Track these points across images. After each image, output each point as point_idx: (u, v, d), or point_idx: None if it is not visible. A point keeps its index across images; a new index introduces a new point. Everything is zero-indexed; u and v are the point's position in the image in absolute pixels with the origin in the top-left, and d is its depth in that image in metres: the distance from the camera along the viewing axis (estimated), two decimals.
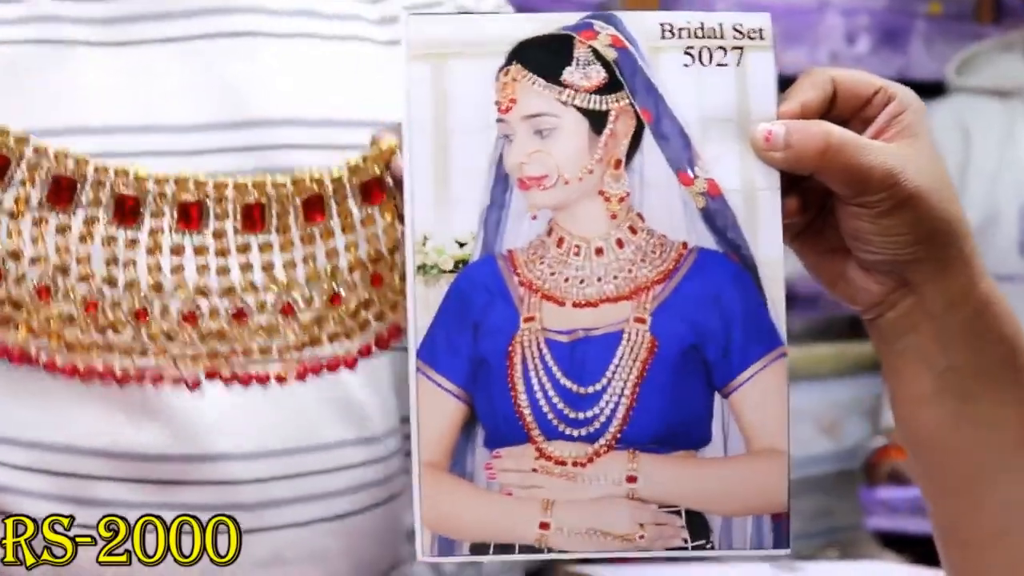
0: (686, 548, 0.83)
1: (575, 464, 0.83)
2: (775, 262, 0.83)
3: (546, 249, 0.83)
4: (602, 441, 0.82)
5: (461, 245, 0.82)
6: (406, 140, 0.83)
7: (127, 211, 0.92)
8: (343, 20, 1.23)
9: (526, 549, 0.83)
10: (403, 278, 0.88)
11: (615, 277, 0.83)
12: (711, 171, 0.83)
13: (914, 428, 0.83)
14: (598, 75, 0.83)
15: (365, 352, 0.96)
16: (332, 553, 1.21)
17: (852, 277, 0.83)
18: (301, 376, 0.96)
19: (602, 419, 0.82)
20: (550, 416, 0.83)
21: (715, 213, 0.83)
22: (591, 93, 0.83)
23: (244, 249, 0.93)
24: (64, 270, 0.93)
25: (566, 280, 0.83)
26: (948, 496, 0.84)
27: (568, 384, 0.83)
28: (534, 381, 0.82)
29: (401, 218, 0.89)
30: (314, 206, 0.93)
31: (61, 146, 0.92)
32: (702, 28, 0.84)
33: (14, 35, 1.14)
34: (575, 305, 0.83)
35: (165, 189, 0.92)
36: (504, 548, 0.83)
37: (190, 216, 0.93)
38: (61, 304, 0.93)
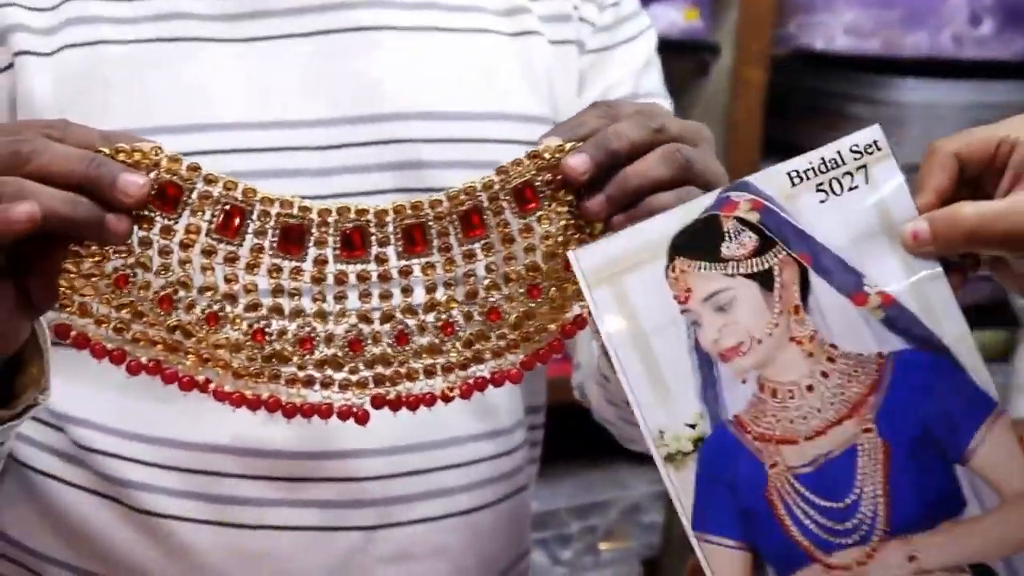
0: None
1: (859, 564, 0.90)
2: (963, 336, 0.89)
3: (764, 403, 0.91)
4: (874, 539, 0.90)
5: (692, 427, 0.90)
6: (615, 358, 0.90)
7: (292, 240, 0.91)
8: (466, 12, 1.21)
9: None
10: (561, 289, 0.92)
11: (832, 404, 0.90)
12: (879, 283, 0.90)
13: None
14: (751, 240, 0.90)
15: (529, 365, 0.96)
16: (458, 549, 1.19)
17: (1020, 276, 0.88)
18: (466, 394, 0.95)
19: (867, 521, 0.90)
20: (822, 535, 0.91)
21: (896, 319, 0.89)
22: (750, 258, 0.90)
23: (406, 273, 0.92)
24: (232, 298, 0.92)
25: (791, 422, 0.90)
26: None
27: (826, 503, 0.91)
28: (797, 512, 0.91)
29: (570, 212, 0.90)
30: (471, 219, 0.92)
31: (229, 176, 0.90)
32: (824, 163, 0.91)
33: (140, 33, 1.13)
34: (807, 439, 0.90)
35: (328, 218, 0.91)
36: None
37: (353, 243, 0.92)
38: (229, 332, 0.92)
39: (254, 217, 0.91)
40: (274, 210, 0.91)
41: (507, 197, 0.92)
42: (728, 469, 0.91)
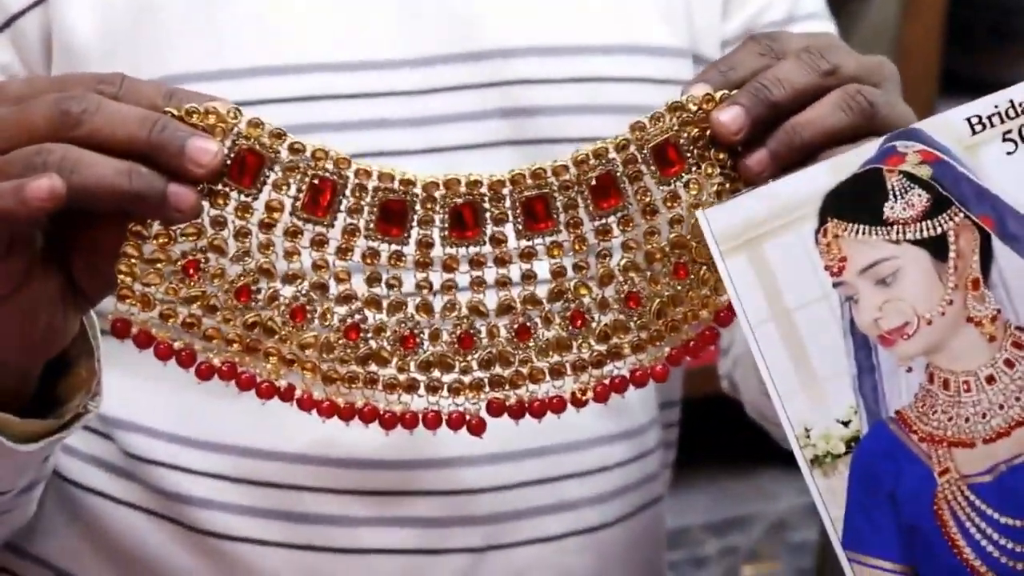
0: None
1: None
2: None
3: (934, 397, 0.78)
4: None
5: (845, 424, 0.78)
6: (750, 337, 0.79)
7: (393, 219, 0.81)
8: None
9: None
10: (714, 269, 0.80)
11: (1018, 399, 0.78)
12: None
13: None
14: (921, 199, 0.77)
15: (676, 359, 0.84)
16: (583, 573, 1.09)
17: None
18: (602, 397, 0.84)
19: None
20: (1003, 559, 0.78)
21: None
22: (921, 221, 0.77)
23: (528, 255, 0.82)
24: (322, 289, 0.82)
25: (967, 420, 0.78)
26: None
27: (1009, 521, 0.78)
28: (973, 531, 0.78)
29: (724, 175, 0.80)
30: (605, 188, 0.81)
31: (319, 143, 0.80)
32: (1013, 106, 0.77)
33: None
34: (986, 441, 0.78)
35: (434, 192, 0.81)
36: None
37: (464, 221, 0.82)
38: (317, 329, 0.82)
39: (347, 193, 0.81)
40: (371, 184, 0.81)
41: (646, 159, 0.81)
42: (889, 476, 0.79)
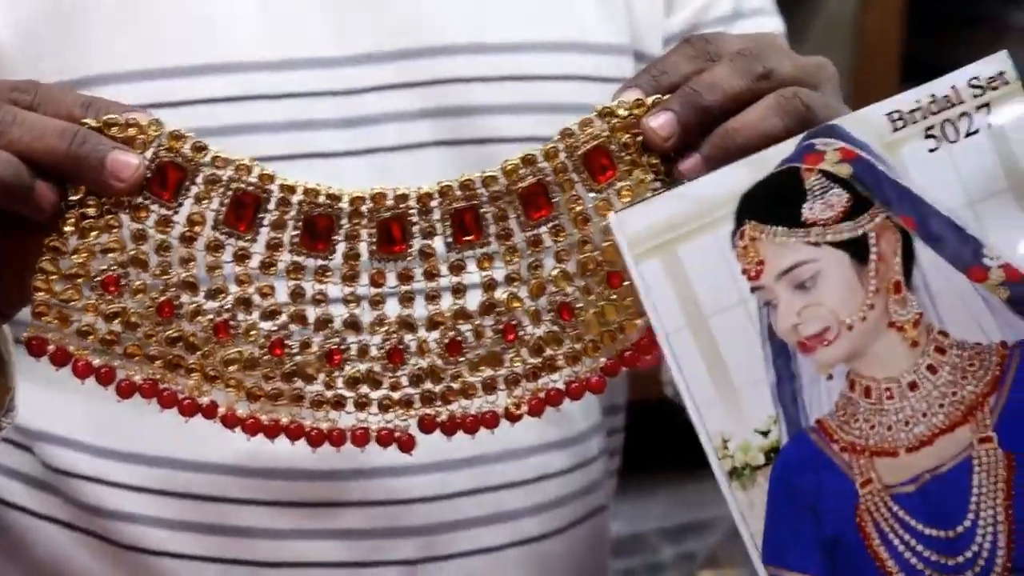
0: None
1: None
2: None
3: (856, 405, 0.75)
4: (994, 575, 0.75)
5: (765, 434, 0.75)
6: (664, 343, 0.76)
7: (318, 234, 0.80)
8: None
9: None
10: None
11: (941, 406, 0.75)
12: (1003, 254, 0.74)
13: None
14: (840, 199, 0.75)
15: (613, 370, 0.82)
16: None
17: None
18: (536, 411, 0.82)
19: (984, 555, 0.75)
20: (927, 571, 0.75)
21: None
22: (840, 222, 0.75)
23: (458, 268, 0.81)
24: (246, 304, 0.80)
25: (889, 428, 0.75)
26: None
27: (933, 532, 0.75)
28: (896, 543, 0.75)
29: (659, 180, 0.78)
30: (535, 198, 0.80)
31: (242, 156, 0.79)
32: (935, 100, 0.75)
33: None
34: (909, 450, 0.75)
35: (361, 207, 0.80)
36: None
37: (392, 236, 0.80)
38: (241, 345, 0.81)
39: (271, 207, 0.79)
40: (296, 198, 0.79)
41: (577, 167, 0.79)
42: (809, 488, 0.76)
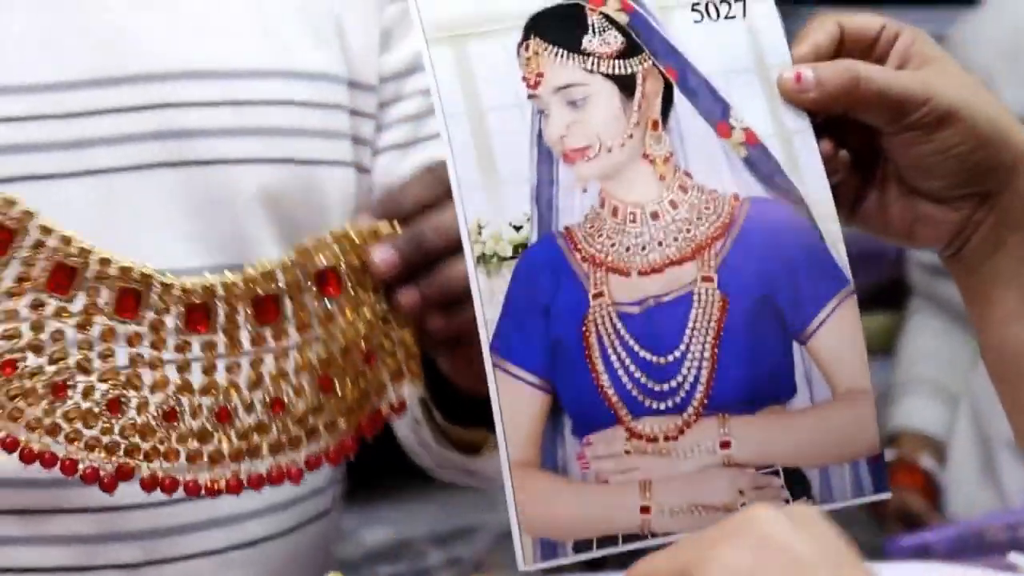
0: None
1: (667, 439, 0.79)
2: (825, 200, 0.81)
3: (602, 221, 0.79)
4: (690, 410, 0.79)
5: (517, 229, 0.78)
6: (442, 126, 0.79)
7: (62, 283, 0.82)
8: None
9: (629, 538, 0.78)
10: (356, 386, 0.85)
11: (675, 239, 0.80)
12: (745, 120, 0.81)
13: (1002, 350, 0.82)
14: (616, 40, 0.81)
15: (313, 464, 0.87)
16: None
17: (928, 215, 0.82)
18: (235, 489, 0.86)
19: (686, 387, 0.79)
20: (634, 392, 0.79)
21: (758, 161, 0.81)
22: (614, 58, 0.81)
23: (182, 348, 0.84)
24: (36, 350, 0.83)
25: (627, 249, 0.79)
26: None
27: (647, 356, 0.79)
28: (613, 358, 0.78)
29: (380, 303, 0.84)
30: (266, 307, 0.85)
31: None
32: None
33: None
34: (641, 273, 0.79)
35: (108, 269, 0.83)
36: (606, 540, 0.78)
37: (125, 305, 0.84)
38: (25, 383, 0.83)
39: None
40: (51, 242, 0.83)
41: (308, 287, 0.85)
42: (547, 289, 0.79)
